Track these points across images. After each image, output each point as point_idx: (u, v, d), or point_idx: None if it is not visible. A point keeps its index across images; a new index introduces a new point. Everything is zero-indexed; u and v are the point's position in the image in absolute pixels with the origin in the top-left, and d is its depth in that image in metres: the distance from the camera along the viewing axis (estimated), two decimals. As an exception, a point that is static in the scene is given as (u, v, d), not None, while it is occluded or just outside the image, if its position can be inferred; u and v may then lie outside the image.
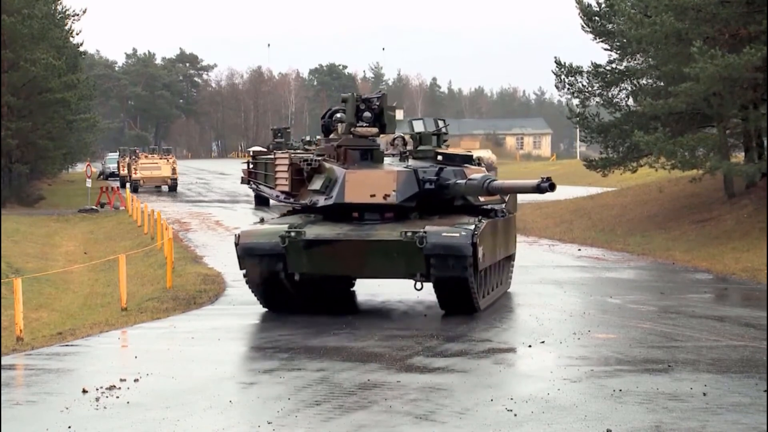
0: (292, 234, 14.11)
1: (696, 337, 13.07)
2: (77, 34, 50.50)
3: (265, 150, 16.28)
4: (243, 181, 16.37)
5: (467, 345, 12.47)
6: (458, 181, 14.74)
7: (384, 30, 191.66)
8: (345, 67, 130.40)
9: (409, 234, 13.65)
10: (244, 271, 14.77)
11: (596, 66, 32.61)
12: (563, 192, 42.29)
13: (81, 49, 54.89)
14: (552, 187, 13.67)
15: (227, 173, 65.72)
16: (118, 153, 63.52)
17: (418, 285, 14.13)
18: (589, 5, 32.56)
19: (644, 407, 9.21)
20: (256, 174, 17.09)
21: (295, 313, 14.84)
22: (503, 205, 16.57)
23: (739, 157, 31.53)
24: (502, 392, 9.81)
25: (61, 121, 46.51)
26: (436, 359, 11.68)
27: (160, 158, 52.32)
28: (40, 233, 33.31)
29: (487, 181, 14.58)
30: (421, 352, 12.08)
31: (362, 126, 15.19)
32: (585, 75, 32.81)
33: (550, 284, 18.77)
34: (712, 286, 19.05)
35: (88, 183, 46.34)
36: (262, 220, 15.40)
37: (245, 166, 18.79)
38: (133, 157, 52.93)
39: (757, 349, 12.05)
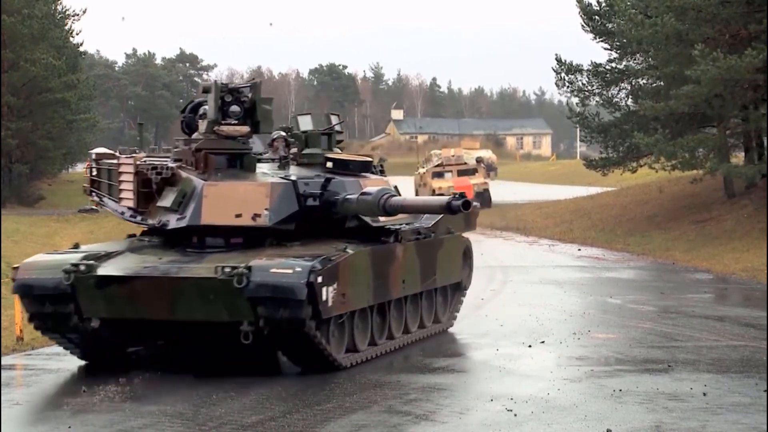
0: (81, 268, 10.61)
1: (696, 337, 13.07)
2: (77, 34, 50.45)
3: (111, 153, 12.74)
4: (85, 191, 12.79)
5: (467, 345, 12.47)
6: (349, 197, 11.36)
7: (384, 30, 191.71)
8: (345, 67, 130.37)
9: (226, 270, 10.09)
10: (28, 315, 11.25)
11: (596, 65, 32.62)
12: (563, 192, 42.38)
13: (81, 49, 54.84)
14: (466, 206, 10.74)
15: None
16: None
17: (246, 338, 10.23)
18: (589, 5, 32.56)
19: (644, 407, 9.21)
20: (100, 184, 12.74)
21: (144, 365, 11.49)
22: (424, 223, 13.04)
23: (739, 157, 31.54)
24: (502, 392, 9.81)
25: (61, 121, 46.50)
26: (436, 359, 11.68)
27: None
28: (40, 233, 33.29)
29: (384, 197, 11.15)
30: (421, 353, 12.10)
31: (229, 123, 11.67)
32: (585, 74, 32.83)
33: (550, 284, 18.76)
34: (712, 286, 19.05)
35: (89, 183, 46.25)
36: (77, 246, 11.71)
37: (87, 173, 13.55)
38: (133, 157, 52.79)
39: (757, 349, 12.05)
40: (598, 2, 32.51)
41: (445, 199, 10.94)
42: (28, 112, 44.31)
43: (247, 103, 11.71)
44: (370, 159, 12.70)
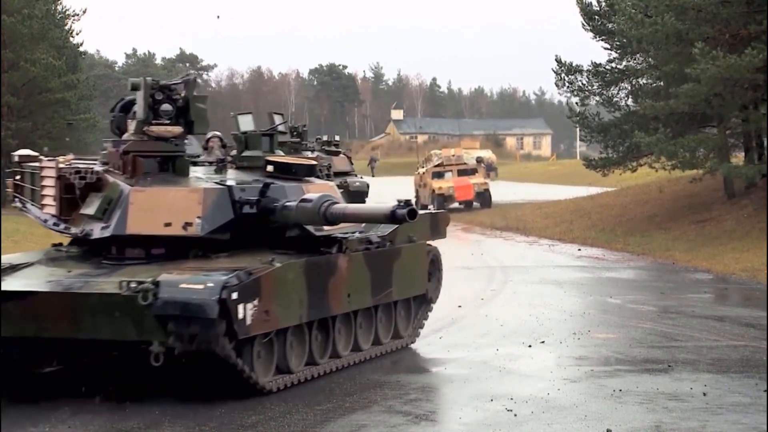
0: None
1: (696, 337, 13.07)
2: (77, 34, 50.40)
3: (35, 155, 11.73)
4: (8, 197, 11.35)
5: (467, 345, 12.47)
6: (288, 204, 10.35)
7: (384, 30, 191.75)
8: (345, 67, 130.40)
9: (132, 286, 9.09)
10: None
11: (596, 65, 32.64)
12: (563, 192, 42.39)
13: (81, 49, 54.81)
14: (411, 215, 9.59)
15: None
16: None
17: (157, 359, 9.15)
18: (590, 4, 32.58)
19: (644, 407, 9.21)
20: (23, 189, 11.78)
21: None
22: (380, 232, 11.84)
23: (739, 157, 31.56)
24: (502, 392, 9.81)
25: (61, 121, 46.51)
26: (435, 359, 11.68)
27: None
28: (39, 233, 33.23)
29: (325, 204, 10.07)
30: (421, 352, 12.09)
31: (160, 123, 10.72)
32: (585, 74, 32.84)
33: (550, 284, 18.76)
34: (712, 286, 19.05)
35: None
36: None
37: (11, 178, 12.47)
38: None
39: (757, 349, 12.05)
40: (598, 2, 32.52)
41: (389, 207, 9.77)
42: (28, 112, 44.31)
43: (180, 101, 10.76)
44: (314, 162, 11.68)
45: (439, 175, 38.65)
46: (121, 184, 10.39)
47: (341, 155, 33.28)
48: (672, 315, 15.01)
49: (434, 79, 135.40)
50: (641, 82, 32.18)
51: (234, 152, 11.46)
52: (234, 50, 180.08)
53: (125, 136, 10.85)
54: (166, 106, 10.72)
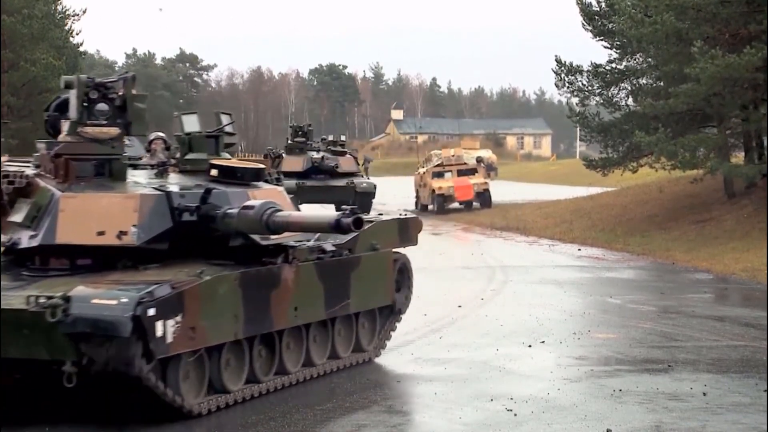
0: None
1: (696, 337, 13.07)
2: (77, 34, 50.42)
3: None
4: None
5: (467, 345, 12.47)
6: (230, 211, 9.56)
7: (384, 30, 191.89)
8: (345, 67, 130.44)
9: (41, 301, 8.31)
10: None
11: (596, 66, 32.63)
12: (563, 192, 42.39)
13: (81, 49, 54.82)
14: (357, 224, 9.04)
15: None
16: None
17: (70, 380, 8.37)
18: (589, 4, 32.57)
19: (644, 407, 9.22)
20: None
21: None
22: (338, 240, 10.97)
23: (739, 157, 31.56)
24: (502, 392, 9.82)
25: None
26: (436, 359, 11.68)
27: None
28: None
29: (267, 212, 9.36)
30: (421, 352, 12.09)
31: (96, 124, 9.87)
32: (585, 74, 32.83)
33: (550, 284, 18.76)
34: (712, 286, 19.05)
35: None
36: None
37: None
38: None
39: (757, 349, 12.06)
40: (597, 2, 32.52)
41: (333, 215, 9.12)
42: (28, 112, 44.32)
43: (117, 100, 9.91)
44: (262, 166, 10.71)
45: (439, 175, 38.62)
46: (51, 189, 9.51)
47: (347, 155, 33.26)
48: (672, 315, 15.01)
49: (434, 79, 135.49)
50: (641, 83, 32.18)
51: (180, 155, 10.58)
52: (234, 50, 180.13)
53: (59, 138, 10.04)
54: (101, 106, 9.90)
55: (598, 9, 32.46)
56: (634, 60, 32.11)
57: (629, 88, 32.62)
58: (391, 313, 12.04)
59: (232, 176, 10.09)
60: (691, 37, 24.76)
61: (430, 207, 38.65)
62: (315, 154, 31.54)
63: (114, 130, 9.86)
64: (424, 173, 39.96)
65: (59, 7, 48.11)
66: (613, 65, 32.70)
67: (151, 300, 8.29)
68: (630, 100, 32.63)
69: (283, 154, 32.51)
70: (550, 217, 34.10)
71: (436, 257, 22.88)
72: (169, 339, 8.47)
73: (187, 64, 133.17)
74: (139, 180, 9.93)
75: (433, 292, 16.63)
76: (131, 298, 8.24)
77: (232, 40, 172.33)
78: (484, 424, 8.69)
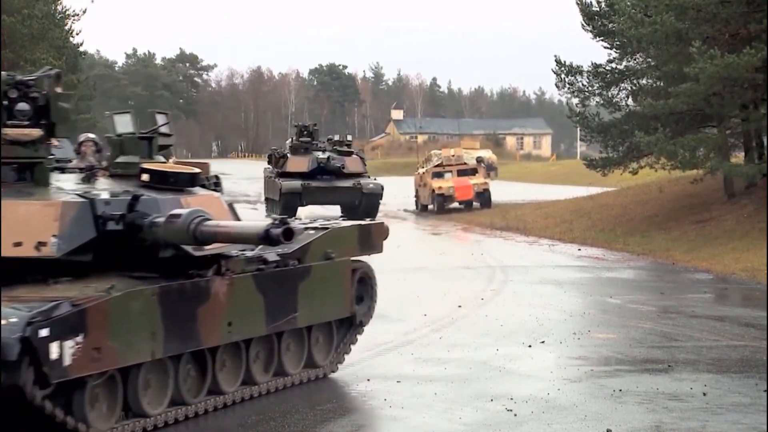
0: None
1: (696, 337, 13.08)
2: (77, 34, 50.46)
3: None
4: None
5: (467, 345, 12.47)
6: (157, 220, 8.76)
7: (384, 30, 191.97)
8: (345, 67, 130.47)
9: None
10: None
11: (596, 66, 32.63)
12: (563, 192, 42.39)
13: (81, 49, 54.86)
14: (287, 235, 8.32)
15: (227, 173, 65.78)
16: None
17: None
18: (590, 4, 32.56)
19: (644, 407, 9.22)
20: None
21: None
22: (285, 249, 9.98)
23: (739, 157, 31.57)
24: (502, 392, 9.82)
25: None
26: (436, 359, 11.68)
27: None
28: None
29: (195, 221, 8.60)
30: (421, 352, 12.09)
31: (17, 125, 9.10)
32: (585, 75, 32.83)
33: (550, 284, 18.76)
34: (712, 286, 19.05)
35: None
36: None
37: None
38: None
39: (757, 349, 12.06)
40: (597, 2, 32.51)
41: (262, 225, 8.44)
42: (28, 112, 44.33)
43: (39, 99, 9.14)
44: (198, 170, 9.72)
45: (439, 175, 38.62)
46: None
47: (354, 156, 33.01)
48: (672, 315, 15.02)
49: (434, 79, 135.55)
50: (641, 83, 32.18)
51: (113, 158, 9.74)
52: (234, 50, 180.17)
53: None
54: (22, 105, 9.10)
55: (598, 9, 32.45)
56: (634, 60, 32.11)
57: (629, 88, 32.63)
58: (351, 326, 11.20)
59: (164, 181, 9.26)
60: (690, 37, 24.76)
61: (430, 207, 38.65)
62: (321, 155, 31.24)
63: (35, 132, 9.11)
64: (424, 173, 39.95)
65: (59, 7, 48.12)
66: (613, 65, 32.70)
67: (43, 320, 7.50)
68: (630, 100, 32.64)
69: (288, 155, 32.51)
70: (550, 217, 34.10)
71: (436, 257, 22.89)
72: (67, 361, 7.65)
73: (187, 64, 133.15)
74: (64, 186, 9.08)
75: (433, 292, 16.65)
76: (21, 317, 7.43)
77: (232, 40, 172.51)
78: (484, 424, 8.69)
